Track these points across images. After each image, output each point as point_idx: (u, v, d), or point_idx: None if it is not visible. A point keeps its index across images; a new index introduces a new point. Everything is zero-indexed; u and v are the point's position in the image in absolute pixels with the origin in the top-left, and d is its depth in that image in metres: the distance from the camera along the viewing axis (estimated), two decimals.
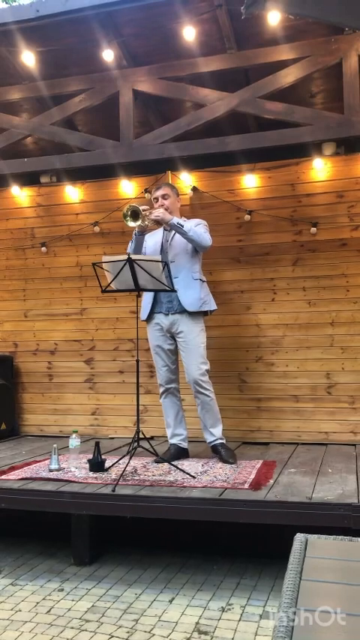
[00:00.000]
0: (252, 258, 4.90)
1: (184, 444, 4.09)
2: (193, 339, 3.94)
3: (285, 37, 3.88)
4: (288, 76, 3.98)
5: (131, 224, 3.80)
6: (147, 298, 4.04)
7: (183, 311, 3.95)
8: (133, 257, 3.54)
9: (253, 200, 4.93)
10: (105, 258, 3.72)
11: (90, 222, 5.32)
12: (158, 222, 3.90)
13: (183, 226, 3.85)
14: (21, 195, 5.56)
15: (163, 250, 4.06)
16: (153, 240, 4.12)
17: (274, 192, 4.89)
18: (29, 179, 5.34)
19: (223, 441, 4.00)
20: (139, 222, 3.79)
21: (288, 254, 4.86)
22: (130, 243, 4.05)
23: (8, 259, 5.59)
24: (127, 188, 5.24)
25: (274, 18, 3.58)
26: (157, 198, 4.06)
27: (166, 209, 3.94)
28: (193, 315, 3.95)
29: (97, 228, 5.30)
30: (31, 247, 5.52)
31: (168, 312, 4.00)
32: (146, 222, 3.85)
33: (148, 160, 4.34)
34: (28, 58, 4.13)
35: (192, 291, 3.95)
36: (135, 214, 3.77)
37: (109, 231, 5.30)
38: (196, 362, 3.92)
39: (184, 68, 4.21)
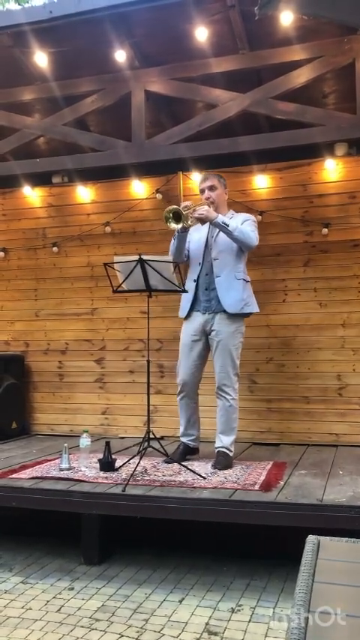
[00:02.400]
0: (263, 259, 4.89)
1: (194, 444, 4.06)
2: (226, 339, 3.79)
3: (297, 38, 3.86)
4: (300, 77, 3.97)
5: (174, 226, 3.66)
6: (187, 296, 3.89)
7: (222, 311, 3.79)
8: (144, 257, 3.54)
9: (264, 201, 4.92)
10: (116, 259, 3.72)
11: (101, 223, 5.33)
12: (202, 221, 3.72)
13: (228, 226, 3.67)
14: (33, 195, 5.59)
15: (207, 247, 3.89)
16: (198, 236, 3.94)
17: (285, 193, 4.88)
18: (41, 179, 5.36)
19: (227, 451, 3.82)
20: (181, 224, 3.65)
21: (299, 255, 4.84)
22: (172, 240, 3.89)
23: (20, 259, 5.62)
24: (139, 188, 5.25)
25: (286, 18, 3.56)
26: (203, 190, 3.89)
27: (212, 202, 3.80)
28: (232, 315, 3.79)
29: (108, 229, 5.31)
30: (42, 247, 5.55)
31: (205, 312, 3.85)
32: (189, 222, 3.70)
33: (160, 160, 4.35)
34: (41, 58, 4.15)
35: (234, 292, 3.79)
36: (177, 216, 3.63)
37: (120, 232, 5.31)
38: (224, 364, 3.80)
39: (196, 69, 4.21)
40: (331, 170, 4.77)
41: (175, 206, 3.70)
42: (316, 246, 4.81)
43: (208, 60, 4.12)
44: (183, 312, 3.95)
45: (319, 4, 2.56)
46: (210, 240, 3.91)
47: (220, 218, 3.71)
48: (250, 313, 3.90)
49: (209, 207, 3.75)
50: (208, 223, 3.82)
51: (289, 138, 4.05)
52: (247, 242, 3.77)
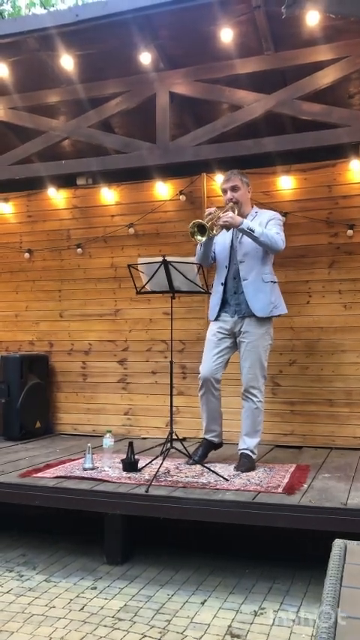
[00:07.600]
0: (287, 260, 4.84)
1: (217, 440, 4.00)
2: (255, 340, 3.77)
3: (323, 38, 3.83)
4: (326, 77, 3.94)
5: (199, 238, 3.63)
6: (215, 299, 3.90)
7: (251, 315, 3.77)
8: (169, 259, 3.55)
9: (288, 202, 4.89)
10: (140, 260, 3.73)
11: (125, 224, 5.36)
12: (227, 227, 3.69)
13: (254, 231, 3.64)
14: (57, 196, 5.64)
15: (233, 249, 3.87)
16: (223, 239, 3.91)
17: (310, 194, 4.85)
18: (66, 181, 5.41)
19: (250, 454, 3.82)
20: (206, 236, 3.61)
21: (324, 256, 4.80)
22: (198, 247, 3.86)
23: (45, 260, 5.68)
24: (162, 190, 5.27)
25: (312, 18, 3.54)
26: (225, 191, 3.86)
27: (235, 202, 3.78)
28: (261, 318, 3.78)
29: (131, 230, 5.33)
30: (66, 248, 5.60)
31: (235, 315, 3.84)
32: (214, 232, 3.69)
33: (184, 162, 4.35)
34: (67, 61, 4.18)
35: (262, 295, 3.76)
36: (202, 229, 3.60)
37: (144, 233, 5.33)
38: (252, 365, 3.77)
39: (220, 70, 4.20)
40: (357, 171, 4.72)
41: (198, 220, 3.65)
42: (341, 248, 4.76)
43: (233, 61, 4.11)
44: (212, 315, 3.93)
45: (346, 3, 2.55)
46: (235, 243, 3.88)
47: (245, 224, 3.65)
48: (279, 315, 3.88)
49: (233, 212, 3.72)
50: None
51: (315, 139, 4.02)
52: (273, 247, 3.73)
